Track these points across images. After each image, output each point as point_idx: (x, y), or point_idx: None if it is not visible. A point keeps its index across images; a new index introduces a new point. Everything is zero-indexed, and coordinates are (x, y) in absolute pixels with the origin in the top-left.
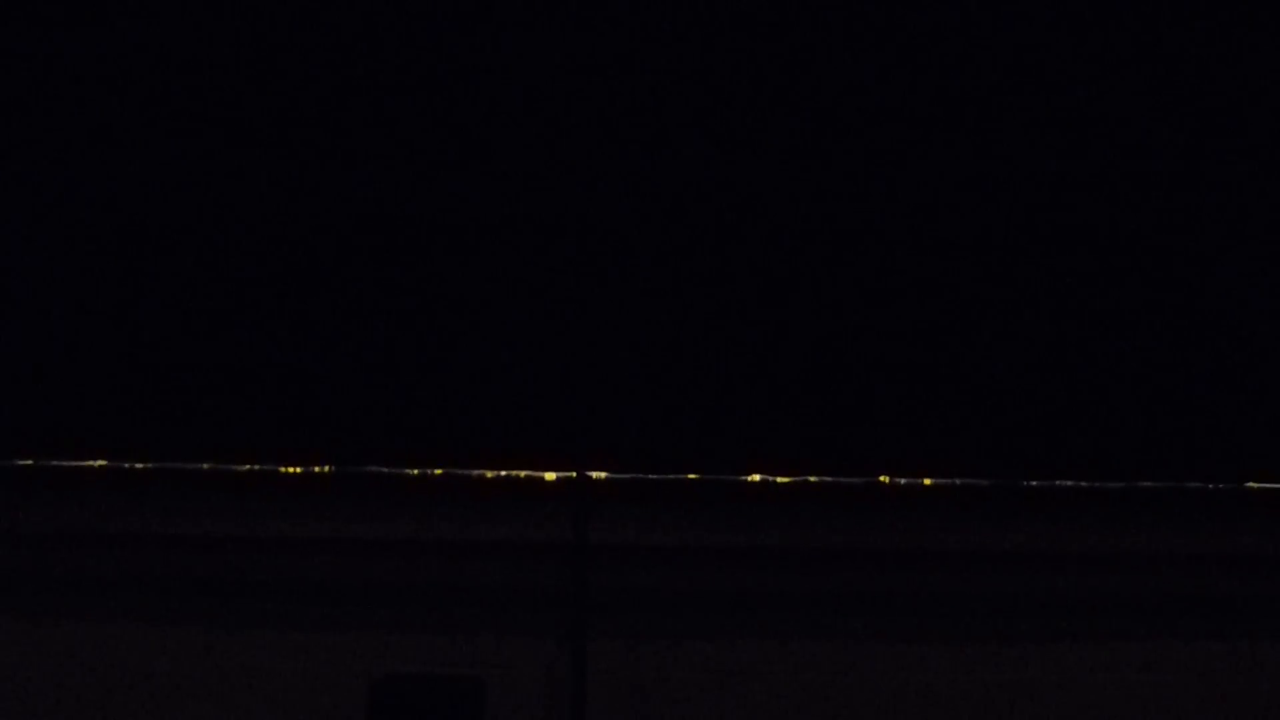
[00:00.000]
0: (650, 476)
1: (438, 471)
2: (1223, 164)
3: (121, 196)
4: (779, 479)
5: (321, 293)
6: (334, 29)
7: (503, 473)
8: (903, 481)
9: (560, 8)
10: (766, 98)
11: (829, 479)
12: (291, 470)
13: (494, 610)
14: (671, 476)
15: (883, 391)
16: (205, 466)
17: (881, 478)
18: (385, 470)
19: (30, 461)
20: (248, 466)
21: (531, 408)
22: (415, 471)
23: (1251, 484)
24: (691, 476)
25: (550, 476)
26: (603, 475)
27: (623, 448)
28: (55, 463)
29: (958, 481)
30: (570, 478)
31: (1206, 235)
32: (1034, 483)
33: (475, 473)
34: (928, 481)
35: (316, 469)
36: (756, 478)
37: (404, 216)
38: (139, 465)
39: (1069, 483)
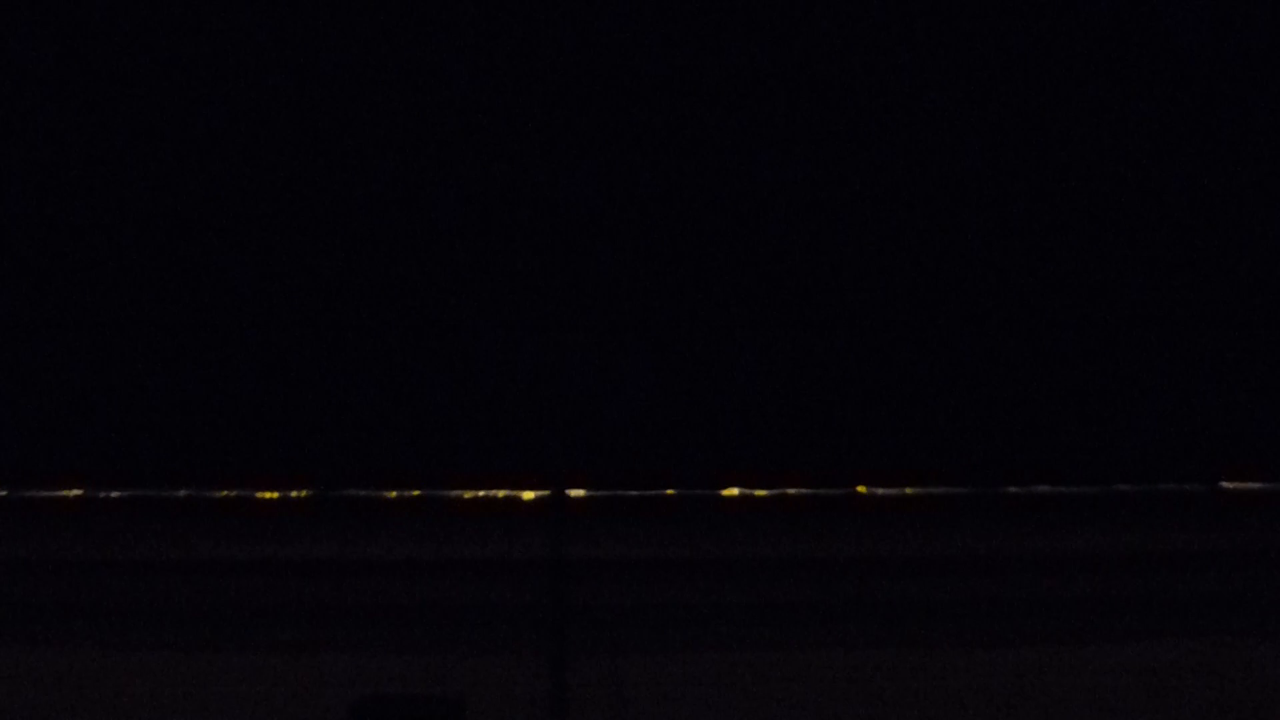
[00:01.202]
0: (628, 493)
1: (415, 493)
2: (1216, 168)
3: (99, 221)
4: (757, 492)
5: (298, 318)
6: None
7: (480, 493)
8: (880, 491)
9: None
10: (753, 108)
11: (807, 491)
12: (269, 496)
13: (473, 629)
14: (649, 493)
15: (857, 403)
16: (182, 494)
17: (859, 488)
18: (362, 493)
19: (5, 492)
20: (225, 493)
21: (507, 428)
22: (393, 494)
23: (1226, 484)
24: (669, 492)
25: (528, 495)
26: (580, 493)
27: (599, 465)
28: (31, 493)
29: (935, 490)
30: (547, 496)
31: (1180, 242)
32: (1012, 489)
33: (453, 493)
34: (907, 491)
35: (294, 494)
36: (735, 492)
37: (381, 244)
38: (115, 494)
39: (1046, 488)
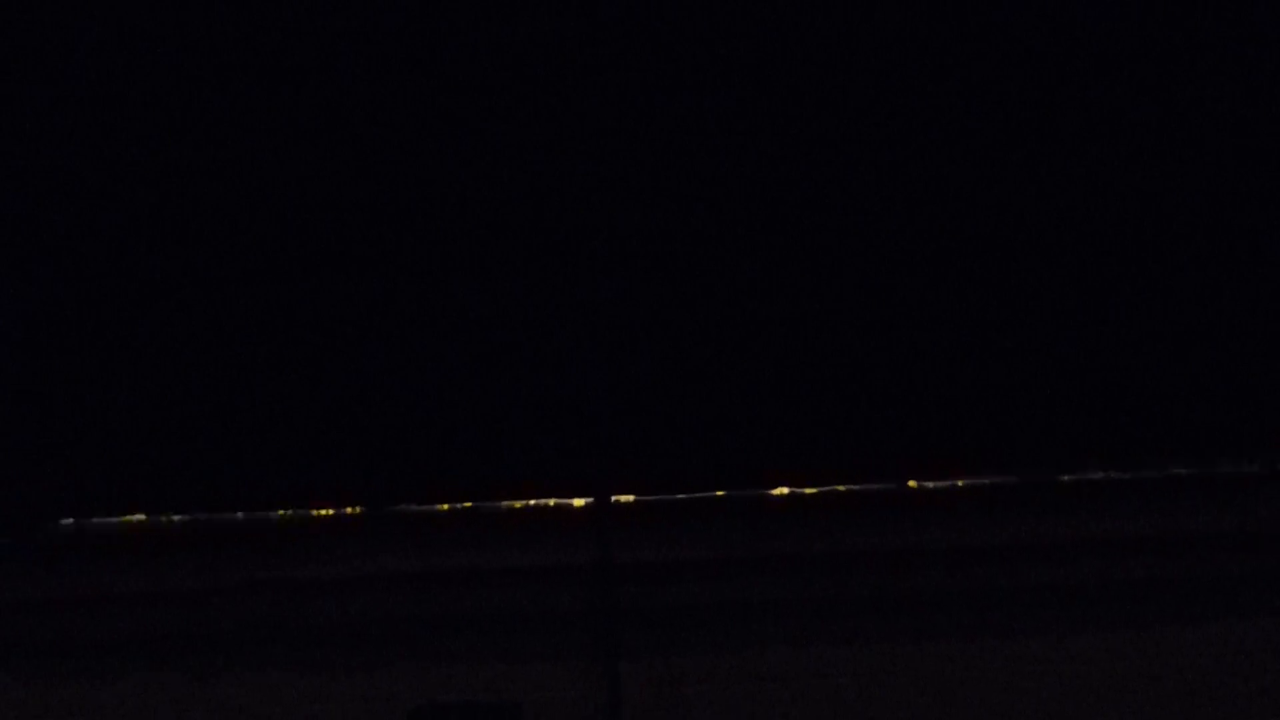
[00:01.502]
0: (675, 496)
1: (466, 505)
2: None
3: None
4: (806, 490)
5: (348, 340)
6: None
7: (530, 503)
8: (931, 485)
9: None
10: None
11: (856, 487)
12: (323, 514)
13: (526, 636)
14: (697, 495)
15: (904, 397)
16: (239, 516)
17: (909, 482)
18: (414, 508)
19: (71, 520)
20: (281, 513)
21: (554, 436)
22: (444, 507)
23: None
24: (718, 494)
25: (577, 503)
26: (628, 499)
27: (646, 470)
28: (95, 520)
29: (986, 481)
30: (594, 503)
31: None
32: (1066, 477)
33: (503, 504)
34: (960, 483)
35: (348, 510)
36: (784, 491)
37: (429, 264)
38: (172, 518)
39: (1086, 475)
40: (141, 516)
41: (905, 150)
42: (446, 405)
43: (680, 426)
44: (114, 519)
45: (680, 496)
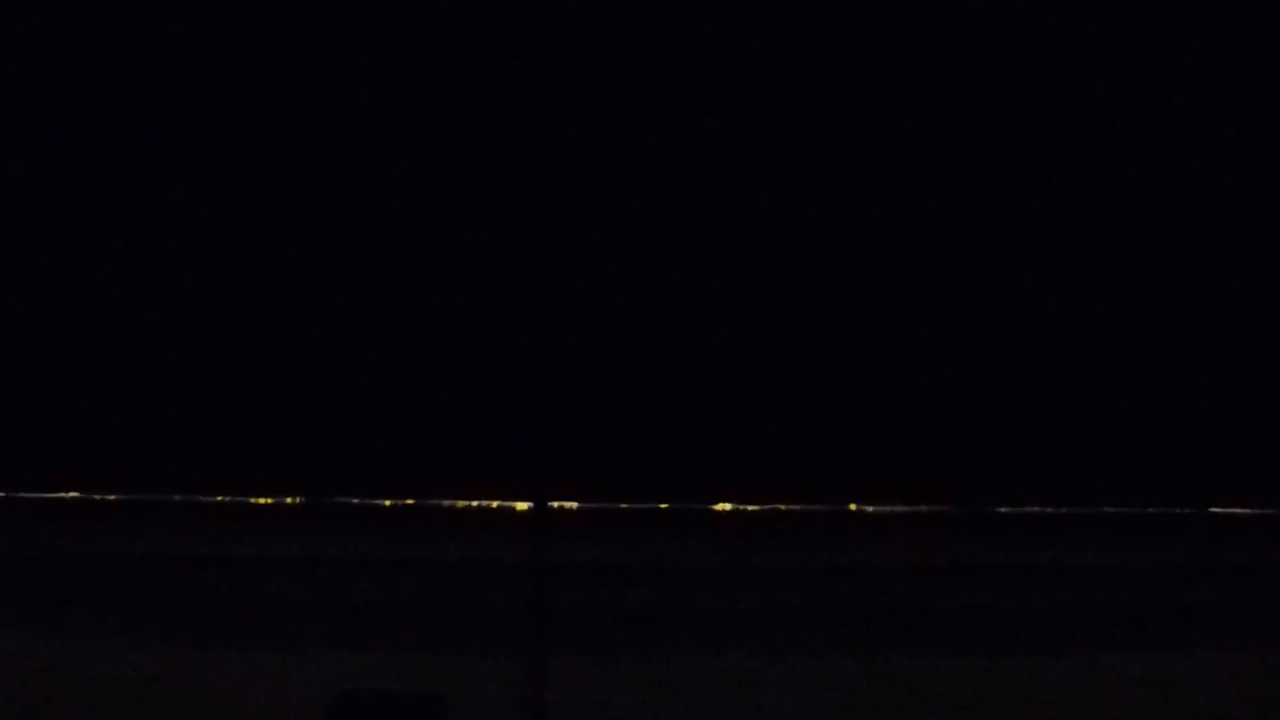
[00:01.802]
0: (617, 505)
1: (408, 502)
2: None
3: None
4: (749, 508)
5: (295, 329)
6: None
7: (472, 503)
8: (870, 509)
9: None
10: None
11: (798, 507)
12: (263, 501)
13: (456, 630)
14: (640, 506)
15: (851, 419)
16: (177, 498)
17: (850, 505)
18: (355, 501)
19: (2, 494)
20: (220, 498)
21: (499, 438)
22: (387, 502)
23: (1216, 509)
24: (662, 506)
25: (520, 506)
26: (571, 505)
27: (590, 476)
28: (27, 495)
29: (926, 509)
30: (537, 506)
31: (1169, 265)
32: (1003, 509)
33: (444, 502)
34: (898, 509)
35: (288, 500)
36: (727, 507)
37: (373, 253)
38: (111, 497)
39: (1037, 508)
40: (75, 494)
41: (860, 186)
42: (392, 398)
43: (626, 435)
44: (47, 494)
45: (623, 506)
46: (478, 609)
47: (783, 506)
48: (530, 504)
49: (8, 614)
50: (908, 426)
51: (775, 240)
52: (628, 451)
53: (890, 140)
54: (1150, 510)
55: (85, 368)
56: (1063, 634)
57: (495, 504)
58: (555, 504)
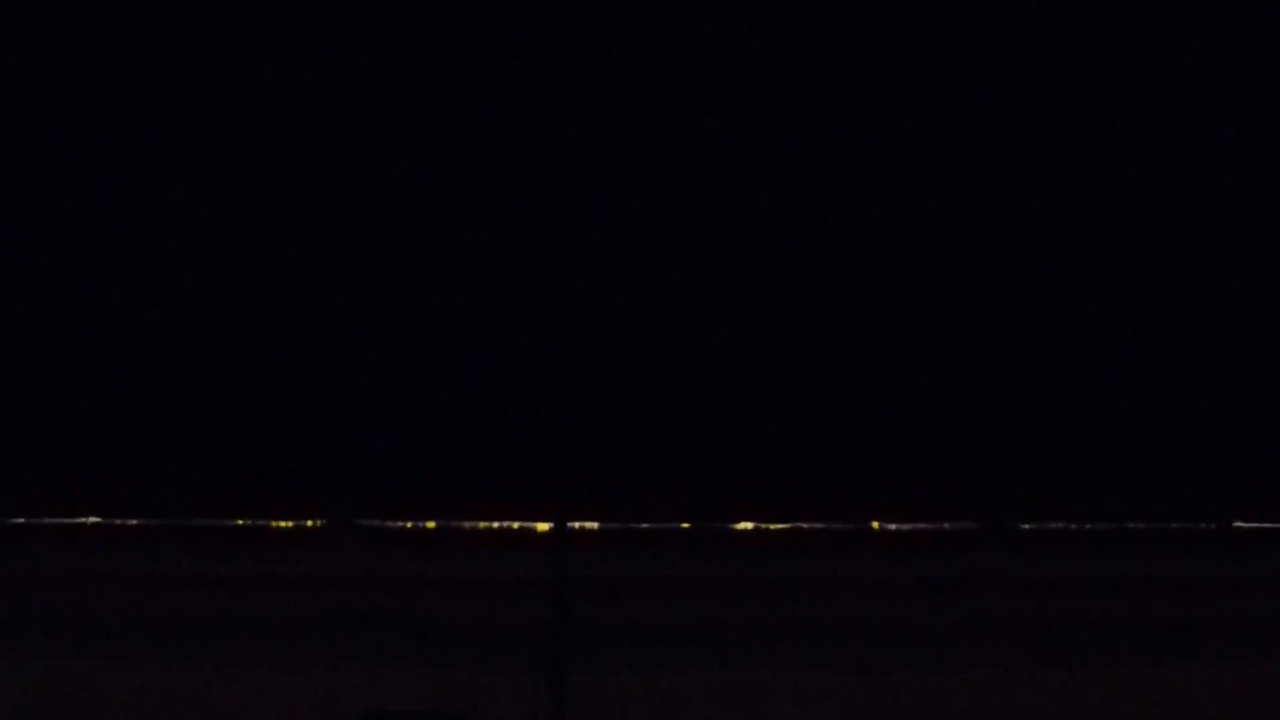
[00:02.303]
0: (639, 525)
1: (429, 525)
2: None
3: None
4: (771, 526)
5: (316, 352)
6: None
7: (493, 524)
8: (893, 527)
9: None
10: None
11: (820, 525)
12: (284, 524)
13: (477, 648)
14: (660, 525)
15: (873, 437)
16: (199, 522)
17: (873, 523)
18: (377, 524)
19: (23, 519)
20: (241, 521)
21: (519, 460)
22: (408, 524)
23: (1239, 524)
24: (683, 526)
25: (541, 527)
26: (592, 525)
27: (610, 497)
28: (48, 520)
29: (949, 526)
30: (556, 527)
31: (1176, 279)
32: (1025, 525)
33: (465, 524)
34: (921, 525)
35: (309, 523)
36: (748, 525)
37: (395, 282)
38: (132, 522)
39: (1058, 525)
40: (96, 519)
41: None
42: (414, 421)
43: (646, 456)
44: (68, 519)
45: (644, 525)
46: (499, 626)
47: (805, 525)
48: (550, 524)
49: (33, 636)
50: (925, 445)
51: (794, 263)
52: (646, 471)
53: (920, 167)
54: (1172, 525)
55: (108, 393)
56: (1079, 646)
57: (516, 525)
58: (575, 524)
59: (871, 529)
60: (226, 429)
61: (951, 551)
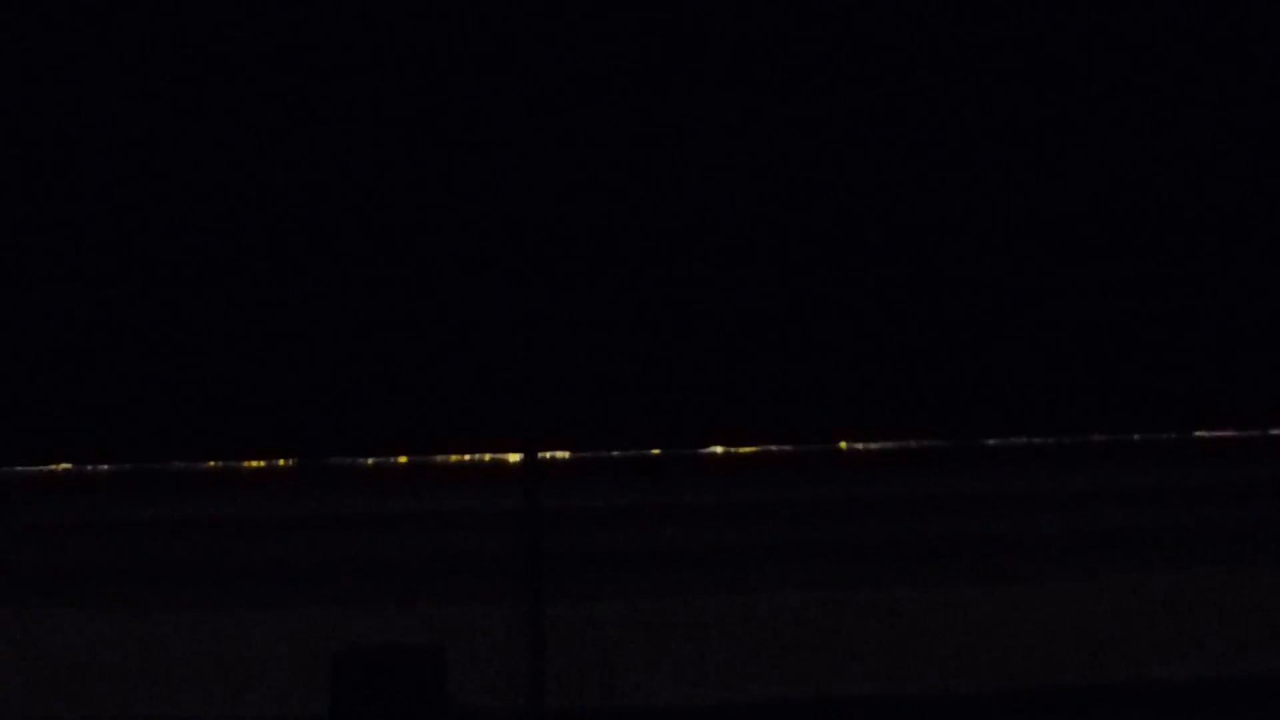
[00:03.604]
0: (609, 454)
1: (400, 460)
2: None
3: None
4: (740, 450)
5: (282, 294)
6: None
7: (465, 457)
8: (861, 447)
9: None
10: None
11: (789, 448)
12: (255, 465)
13: (452, 579)
14: (631, 453)
15: (838, 360)
16: (171, 466)
17: (841, 444)
18: (345, 461)
19: None
20: (212, 464)
21: (486, 391)
22: (370, 461)
23: (1201, 433)
24: (653, 452)
25: (512, 458)
26: (562, 455)
27: (580, 426)
28: (18, 468)
29: (915, 444)
30: (527, 458)
31: (1148, 215)
32: (991, 441)
33: (437, 458)
34: (888, 445)
35: (280, 463)
36: (718, 450)
37: (358, 211)
38: (104, 468)
39: (1023, 439)
40: (67, 466)
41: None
42: (381, 359)
43: (615, 383)
44: (40, 467)
45: (614, 454)
46: (473, 558)
47: (774, 448)
48: (525, 455)
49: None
50: (891, 362)
51: (752, 188)
52: (616, 399)
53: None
54: (1135, 437)
55: (70, 341)
56: (1056, 557)
57: (487, 457)
58: (546, 454)
59: (840, 449)
60: (193, 369)
61: (919, 470)
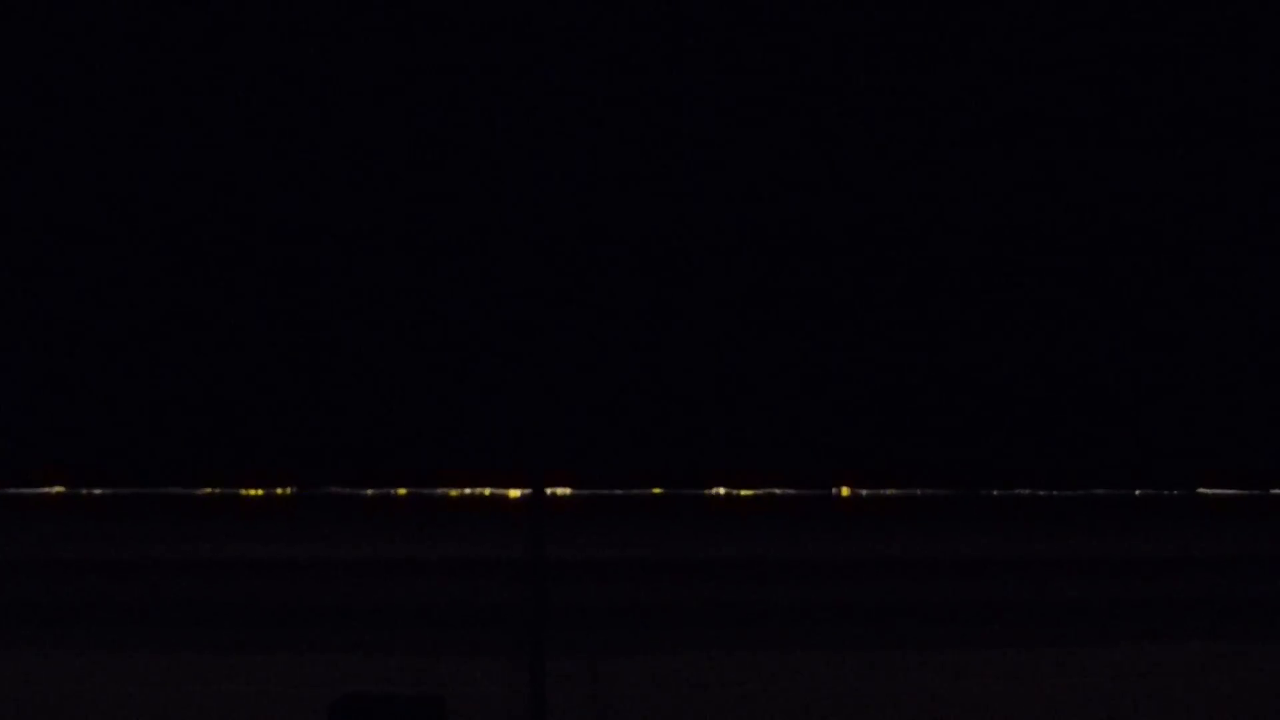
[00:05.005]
0: (612, 492)
1: (400, 492)
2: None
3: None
4: (741, 492)
5: (285, 318)
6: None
7: (465, 491)
8: (864, 493)
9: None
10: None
11: (791, 491)
12: (253, 493)
13: (453, 629)
14: (634, 492)
15: (843, 405)
16: (166, 491)
17: (843, 490)
18: (346, 491)
19: None
20: (209, 490)
21: (492, 427)
22: (370, 492)
23: (1204, 490)
24: (655, 491)
25: (513, 494)
26: (565, 492)
27: (584, 464)
28: (12, 490)
29: (917, 492)
30: (530, 495)
31: (1154, 250)
32: (995, 492)
33: (437, 492)
34: (889, 492)
35: (279, 491)
36: (720, 491)
37: (364, 242)
38: (98, 491)
39: (1027, 491)
40: (60, 489)
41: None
42: (386, 389)
43: (620, 423)
44: (34, 489)
45: (617, 492)
46: (472, 604)
47: (777, 491)
48: (528, 491)
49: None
50: (900, 412)
51: (765, 232)
52: (622, 438)
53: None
54: (1138, 493)
55: (73, 362)
56: (1051, 623)
57: (489, 492)
58: (554, 491)
59: (842, 495)
60: (197, 396)
61: (924, 520)
